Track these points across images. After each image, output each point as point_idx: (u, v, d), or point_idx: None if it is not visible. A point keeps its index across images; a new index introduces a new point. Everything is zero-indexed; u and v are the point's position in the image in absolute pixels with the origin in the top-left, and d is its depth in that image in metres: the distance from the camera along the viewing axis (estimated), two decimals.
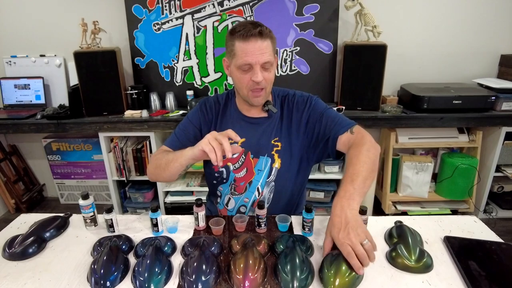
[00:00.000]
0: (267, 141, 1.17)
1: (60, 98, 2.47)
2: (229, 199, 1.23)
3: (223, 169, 1.21)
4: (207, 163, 1.25)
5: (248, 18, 2.27)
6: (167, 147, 1.19)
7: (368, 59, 2.12)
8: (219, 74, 2.39)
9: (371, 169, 0.97)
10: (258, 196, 1.20)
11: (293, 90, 1.23)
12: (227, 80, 2.40)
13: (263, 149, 1.18)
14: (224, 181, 1.23)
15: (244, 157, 1.19)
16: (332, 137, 1.11)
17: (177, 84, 2.41)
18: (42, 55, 2.45)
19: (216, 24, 2.29)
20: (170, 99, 2.33)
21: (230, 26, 2.29)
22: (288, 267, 0.87)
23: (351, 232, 0.83)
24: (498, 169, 2.33)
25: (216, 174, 1.23)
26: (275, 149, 1.17)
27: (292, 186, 1.23)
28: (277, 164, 1.18)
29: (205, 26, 2.29)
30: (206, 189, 2.35)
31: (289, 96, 1.21)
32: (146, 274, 0.86)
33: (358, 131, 1.09)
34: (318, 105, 1.16)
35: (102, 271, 0.88)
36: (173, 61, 2.37)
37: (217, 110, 1.22)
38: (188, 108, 2.22)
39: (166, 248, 1.00)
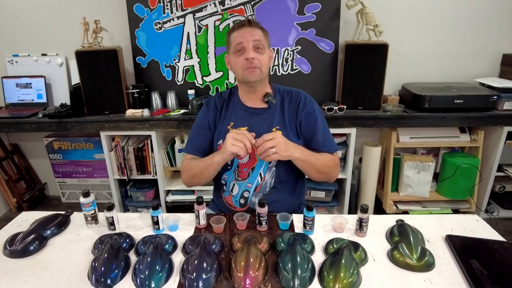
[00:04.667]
0: (268, 129, 1.23)
1: (62, 97, 2.47)
2: (234, 185, 1.28)
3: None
4: (213, 151, 1.29)
5: (250, 18, 2.26)
6: (190, 154, 1.30)
7: (370, 59, 2.11)
8: (220, 73, 2.39)
9: (317, 165, 1.18)
10: (261, 181, 1.25)
11: (297, 89, 1.31)
12: (228, 79, 2.40)
13: None
14: (229, 168, 1.28)
15: None
16: (315, 149, 1.23)
17: (178, 83, 2.41)
18: (43, 54, 2.45)
19: (217, 23, 2.29)
20: (171, 98, 2.33)
21: (231, 25, 2.28)
22: (289, 265, 0.87)
23: (281, 141, 1.07)
24: (499, 168, 2.32)
25: None
26: None
27: (292, 171, 1.27)
28: None
29: (207, 25, 2.29)
30: (207, 188, 2.38)
31: (292, 92, 1.29)
32: (146, 272, 0.86)
33: (337, 156, 1.28)
34: (317, 116, 1.25)
35: (103, 268, 0.88)
36: (174, 60, 2.37)
37: (221, 103, 1.31)
38: (189, 107, 2.22)
39: (167, 246, 1.00)
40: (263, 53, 1.17)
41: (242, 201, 1.27)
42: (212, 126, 1.29)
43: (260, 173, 1.24)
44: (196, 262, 0.88)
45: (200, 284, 0.84)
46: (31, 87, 2.46)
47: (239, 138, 1.05)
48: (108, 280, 0.87)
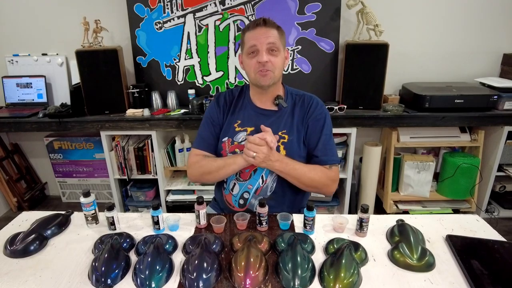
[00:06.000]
0: (275, 132, 1.21)
1: (62, 96, 2.47)
2: (234, 184, 1.27)
3: (231, 155, 1.24)
4: (218, 148, 1.30)
5: (250, 17, 2.27)
6: (201, 151, 1.28)
7: (370, 58, 2.11)
8: (220, 73, 2.39)
9: (306, 183, 1.18)
10: (262, 183, 1.23)
11: (311, 94, 1.30)
12: (228, 79, 2.40)
13: None
14: None
15: None
16: (314, 157, 1.22)
17: (178, 83, 2.41)
18: (44, 54, 2.45)
19: (217, 23, 2.29)
20: (171, 98, 2.33)
21: (231, 25, 2.29)
22: (290, 265, 0.87)
23: (264, 152, 1.10)
24: (500, 168, 2.32)
25: None
26: (281, 140, 1.21)
27: None
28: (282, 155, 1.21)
29: (207, 25, 2.29)
30: (207, 188, 2.38)
31: (305, 97, 1.27)
32: (147, 272, 0.87)
33: (335, 171, 1.23)
34: (324, 123, 1.24)
35: (103, 268, 0.88)
36: (174, 60, 2.37)
37: (230, 100, 1.31)
38: (190, 107, 2.22)
39: (167, 246, 1.00)
40: (277, 56, 1.15)
41: (241, 201, 1.26)
42: (220, 123, 1.29)
43: (262, 176, 1.23)
44: (196, 262, 0.88)
45: (201, 284, 0.84)
46: (31, 87, 2.46)
47: (257, 142, 1.09)
48: (109, 280, 0.87)
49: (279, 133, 1.22)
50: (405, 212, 2.41)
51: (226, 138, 1.25)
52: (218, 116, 1.29)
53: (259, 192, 1.24)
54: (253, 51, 1.14)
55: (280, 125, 1.23)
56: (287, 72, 2.35)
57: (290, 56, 2.32)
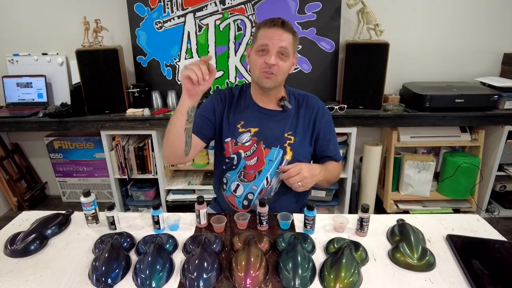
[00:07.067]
0: (280, 134, 1.22)
1: (62, 96, 2.47)
2: (238, 185, 1.26)
3: (234, 156, 1.24)
4: (219, 148, 1.29)
5: (250, 17, 2.26)
6: None
7: (370, 58, 2.11)
8: (220, 73, 2.39)
9: (329, 178, 1.26)
10: (267, 185, 1.23)
11: (312, 95, 1.32)
12: (228, 78, 2.40)
13: (276, 140, 1.22)
14: (234, 167, 1.25)
15: (256, 146, 1.22)
16: (327, 157, 1.30)
17: (179, 83, 2.41)
18: (44, 54, 2.45)
19: (217, 22, 2.28)
20: (172, 98, 2.33)
21: (232, 25, 2.28)
22: (290, 264, 0.87)
23: (306, 176, 1.11)
24: (500, 168, 2.32)
25: (226, 160, 1.26)
26: (288, 141, 1.22)
27: None
28: (288, 156, 1.21)
29: (207, 24, 2.29)
30: (208, 187, 2.38)
31: (308, 98, 1.28)
32: (147, 272, 0.86)
33: (341, 164, 1.37)
34: (331, 125, 1.30)
35: (103, 268, 0.88)
36: (175, 59, 2.37)
37: (230, 99, 1.28)
38: None
39: (167, 246, 1.00)
40: (286, 61, 1.13)
41: (245, 202, 1.25)
42: (217, 114, 1.24)
43: (267, 177, 1.22)
44: (196, 261, 0.88)
45: (201, 283, 0.84)
46: (31, 87, 2.46)
47: (191, 67, 0.94)
48: (109, 279, 0.87)
49: (285, 135, 1.22)
50: (406, 211, 2.41)
51: (229, 139, 1.23)
52: (215, 106, 1.25)
53: (263, 193, 1.24)
54: (263, 49, 1.11)
55: (286, 127, 1.23)
56: None
57: None
